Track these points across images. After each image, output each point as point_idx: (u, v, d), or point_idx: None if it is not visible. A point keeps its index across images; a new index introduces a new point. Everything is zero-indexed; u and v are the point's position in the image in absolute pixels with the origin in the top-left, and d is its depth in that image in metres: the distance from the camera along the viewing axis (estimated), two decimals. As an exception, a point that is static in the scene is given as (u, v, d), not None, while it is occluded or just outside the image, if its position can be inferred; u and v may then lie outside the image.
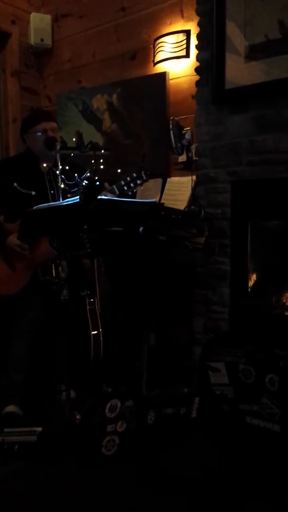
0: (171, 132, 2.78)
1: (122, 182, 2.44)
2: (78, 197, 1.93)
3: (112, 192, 2.43)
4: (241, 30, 2.43)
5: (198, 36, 2.67)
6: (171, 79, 3.17)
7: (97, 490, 1.83)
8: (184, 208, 2.68)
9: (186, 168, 2.94)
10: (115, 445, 2.05)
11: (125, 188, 2.44)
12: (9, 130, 3.83)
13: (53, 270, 2.39)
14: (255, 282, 2.60)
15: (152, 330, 2.54)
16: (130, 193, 2.46)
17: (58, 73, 3.91)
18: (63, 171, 2.24)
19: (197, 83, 2.69)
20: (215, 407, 2.37)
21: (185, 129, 2.90)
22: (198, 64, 2.71)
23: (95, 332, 2.40)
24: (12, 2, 3.73)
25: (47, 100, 4.00)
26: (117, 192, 2.44)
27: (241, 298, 2.57)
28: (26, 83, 3.93)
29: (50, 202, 2.49)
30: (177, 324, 2.78)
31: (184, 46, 3.02)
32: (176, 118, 2.93)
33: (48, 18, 3.84)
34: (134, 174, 2.43)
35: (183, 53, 3.03)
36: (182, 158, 2.94)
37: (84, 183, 2.06)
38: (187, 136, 2.89)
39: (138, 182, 2.44)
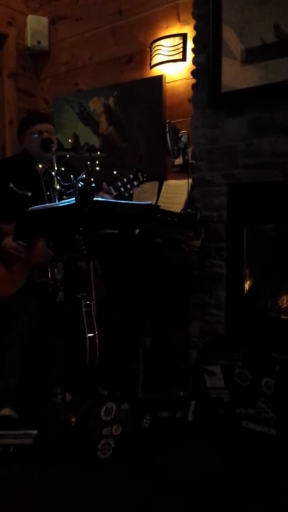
0: (168, 135, 2.79)
1: (119, 183, 2.44)
2: (74, 198, 1.92)
3: (108, 193, 2.43)
4: (237, 34, 2.43)
5: (195, 40, 2.68)
6: (168, 82, 3.17)
7: (92, 493, 1.83)
8: (181, 211, 2.68)
9: (183, 171, 2.94)
10: (111, 448, 2.04)
11: (122, 189, 2.44)
12: (5, 131, 3.83)
13: (49, 272, 2.38)
14: (251, 285, 2.60)
15: (148, 333, 2.53)
16: (126, 194, 2.46)
17: (55, 75, 3.91)
18: (59, 172, 2.24)
19: (193, 87, 2.70)
20: (211, 411, 2.36)
21: (181, 132, 2.91)
22: (194, 67, 2.71)
23: (91, 334, 2.39)
24: (9, 4, 3.74)
25: (43, 102, 4.00)
26: (114, 193, 2.44)
27: (237, 301, 2.57)
28: (22, 85, 3.93)
29: (46, 203, 2.48)
30: (173, 327, 2.78)
31: (181, 49, 3.02)
32: (172, 121, 2.93)
33: (45, 20, 3.84)
34: (131, 175, 2.44)
35: (180, 56, 3.03)
36: (179, 161, 2.95)
37: (80, 185, 2.05)
38: (184, 139, 2.89)
39: (135, 183, 2.44)
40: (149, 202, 2.34)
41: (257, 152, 2.43)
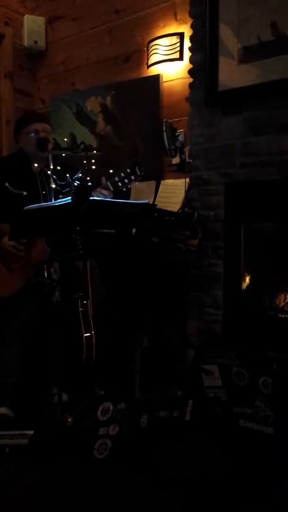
0: (165, 134, 2.78)
1: (116, 178, 2.43)
2: (70, 197, 1.92)
3: (106, 188, 2.42)
4: (234, 32, 2.43)
5: (191, 38, 2.68)
6: (165, 81, 3.17)
7: (89, 493, 1.82)
8: (178, 210, 2.67)
9: (180, 170, 2.94)
10: (107, 448, 2.03)
11: (119, 184, 2.43)
12: (2, 131, 3.82)
13: (45, 272, 2.37)
14: (249, 284, 2.59)
15: (146, 332, 2.52)
16: (124, 189, 2.45)
17: (51, 75, 3.91)
18: (55, 171, 2.23)
19: (190, 85, 2.70)
20: (208, 410, 2.35)
21: (178, 131, 2.90)
22: (191, 66, 2.71)
23: (88, 334, 2.38)
24: (5, 4, 3.73)
25: (40, 102, 4.00)
26: (112, 189, 2.43)
27: (235, 300, 2.57)
28: (19, 85, 3.92)
29: (41, 202, 2.47)
30: (170, 327, 2.77)
31: (178, 48, 3.02)
32: (169, 120, 2.93)
33: (41, 20, 3.84)
34: (128, 170, 2.43)
35: (177, 55, 3.03)
36: (176, 160, 2.94)
37: (76, 184, 2.04)
38: (181, 138, 2.89)
39: (132, 177, 2.43)
40: (146, 201, 2.32)
41: (254, 151, 2.43)
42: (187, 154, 2.78)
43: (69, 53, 3.76)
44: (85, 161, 2.15)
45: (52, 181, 2.22)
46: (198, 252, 2.54)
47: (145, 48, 3.20)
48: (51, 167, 2.22)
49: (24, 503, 1.77)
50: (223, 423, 2.30)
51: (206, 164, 2.62)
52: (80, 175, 2.09)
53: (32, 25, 3.81)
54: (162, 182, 3.05)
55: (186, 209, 2.60)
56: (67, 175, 2.11)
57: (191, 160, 2.70)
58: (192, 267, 2.66)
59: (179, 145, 2.84)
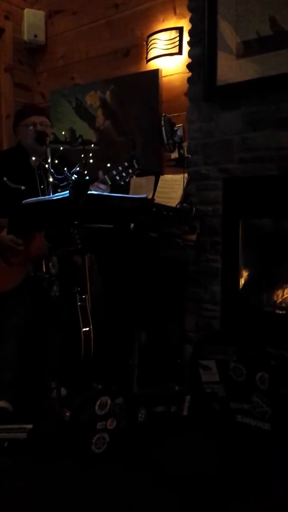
0: (163, 128, 2.77)
1: (114, 172, 2.41)
2: (67, 191, 1.91)
3: (104, 182, 2.41)
4: (232, 27, 2.42)
5: (190, 33, 2.66)
6: (164, 76, 3.16)
7: (86, 487, 1.82)
8: (176, 205, 2.67)
9: (178, 165, 2.93)
10: (105, 442, 2.03)
11: (117, 178, 2.41)
12: (2, 126, 3.83)
13: (44, 266, 2.37)
14: (247, 280, 2.59)
15: (144, 328, 2.53)
16: (122, 182, 2.43)
17: (51, 69, 3.90)
18: (53, 165, 2.23)
19: (189, 80, 2.69)
20: (206, 406, 2.36)
21: (177, 126, 2.89)
22: (190, 61, 2.69)
23: (86, 329, 2.38)
24: (5, -3, 3.72)
25: (40, 96, 3.99)
26: (109, 183, 2.42)
27: (233, 296, 2.56)
28: (19, 79, 3.91)
29: (40, 196, 2.47)
30: (169, 322, 2.77)
31: (177, 43, 3.01)
32: (168, 115, 2.92)
33: (41, 14, 3.83)
34: (126, 163, 2.41)
35: (176, 50, 3.02)
36: (174, 155, 2.93)
37: (73, 178, 2.04)
38: (179, 133, 2.88)
39: (130, 171, 2.41)
40: (144, 195, 2.32)
41: (252, 146, 2.42)
42: (185, 149, 2.78)
43: (68, 47, 3.75)
44: (82, 155, 2.14)
45: (50, 175, 2.21)
46: (196, 247, 2.54)
47: (144, 43, 3.19)
48: (49, 161, 2.22)
49: (22, 498, 1.77)
50: (220, 419, 2.30)
51: (205, 159, 2.61)
52: (78, 169, 2.08)
53: (32, 19, 3.79)
54: (161, 177, 3.04)
55: (184, 204, 2.60)
56: (65, 169, 2.11)
57: (189, 155, 2.69)
58: (190, 262, 2.66)
59: (177, 140, 2.83)
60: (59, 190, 2.17)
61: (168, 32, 3.04)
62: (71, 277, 2.42)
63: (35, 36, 3.81)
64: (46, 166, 2.25)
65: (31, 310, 2.43)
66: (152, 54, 3.11)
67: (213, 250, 2.60)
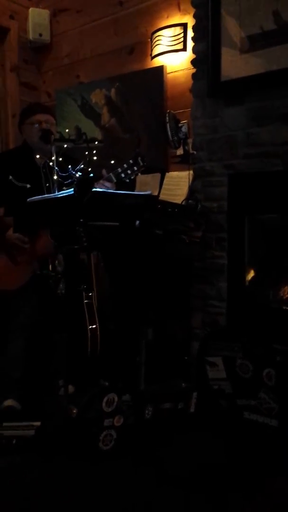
0: (168, 125, 2.76)
1: (119, 170, 2.42)
2: (72, 189, 1.92)
3: (109, 180, 2.41)
4: (236, 22, 2.40)
5: (194, 28, 2.65)
6: (169, 72, 3.15)
7: (94, 484, 1.82)
8: (181, 202, 2.66)
9: (183, 162, 2.92)
10: (113, 439, 2.04)
11: (123, 175, 2.42)
12: (8, 125, 3.83)
13: (50, 264, 2.38)
14: (253, 276, 2.58)
15: (150, 325, 2.53)
16: (127, 180, 2.43)
17: (56, 68, 3.90)
18: (57, 163, 2.23)
19: (193, 76, 2.68)
20: (213, 402, 2.35)
21: (181, 122, 2.88)
22: (194, 57, 2.68)
23: (92, 326, 2.39)
24: (10, -3, 3.73)
25: (46, 95, 4.00)
26: (115, 180, 2.42)
27: (239, 292, 2.55)
28: (25, 78, 3.92)
29: (45, 194, 2.48)
30: (175, 319, 2.77)
31: (181, 39, 3.01)
32: (173, 112, 2.91)
33: (46, 13, 3.83)
34: (131, 161, 2.41)
35: (180, 46, 3.01)
36: (179, 151, 2.93)
37: (78, 175, 2.04)
38: (184, 129, 2.87)
39: (135, 169, 2.42)
40: (148, 192, 2.31)
41: (257, 141, 2.41)
42: (190, 146, 2.77)
43: (73, 45, 3.75)
44: (87, 153, 2.14)
45: (54, 173, 2.22)
46: (201, 244, 2.53)
47: (149, 40, 3.19)
48: (53, 158, 2.22)
49: (30, 494, 1.78)
50: (227, 415, 2.29)
51: (209, 156, 2.60)
52: (82, 166, 2.09)
53: (37, 18, 3.81)
54: (167, 174, 3.03)
55: (189, 201, 2.59)
56: (69, 166, 2.11)
57: (194, 152, 2.68)
58: (195, 259, 2.65)
59: (182, 137, 2.82)
60: (64, 188, 2.18)
61: (173, 28, 3.03)
62: (77, 275, 2.43)
63: (40, 35, 3.82)
64: (51, 164, 2.25)
65: (37, 308, 2.44)
66: (156, 51, 3.11)
67: (218, 246, 2.59)
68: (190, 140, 2.80)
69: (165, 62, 3.15)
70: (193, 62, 2.70)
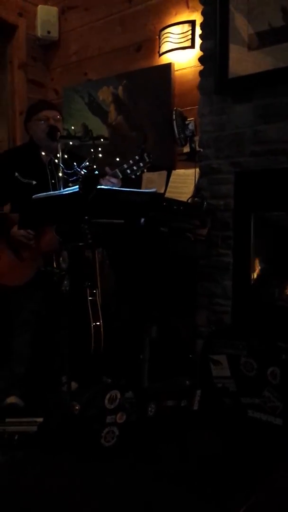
0: (174, 122, 2.76)
1: (125, 166, 2.41)
2: (77, 186, 1.91)
3: (115, 176, 2.41)
4: (244, 19, 2.39)
5: (202, 25, 2.64)
6: (177, 70, 3.15)
7: (95, 480, 1.82)
8: (187, 200, 2.65)
9: (190, 159, 2.91)
10: (115, 436, 2.04)
11: (128, 171, 2.41)
12: (16, 122, 3.85)
13: (54, 261, 2.38)
14: (258, 275, 2.57)
15: (154, 322, 2.52)
16: (133, 176, 2.43)
17: (64, 65, 3.91)
18: (63, 160, 2.23)
19: (201, 73, 2.66)
20: (216, 400, 2.35)
21: (188, 119, 2.87)
22: (202, 54, 2.67)
23: (96, 323, 2.39)
24: (19, -6, 3.74)
25: (54, 93, 4.00)
26: (120, 176, 2.42)
27: (244, 290, 2.54)
28: (33, 75, 3.94)
29: (50, 191, 2.48)
30: (180, 317, 2.76)
31: (189, 36, 3.00)
32: (180, 109, 2.90)
33: (55, 10, 3.84)
34: (137, 157, 2.41)
35: (188, 43, 3.01)
36: (186, 149, 2.92)
37: (83, 172, 2.04)
38: (191, 126, 2.86)
39: (141, 165, 2.41)
40: (153, 189, 2.30)
41: (264, 139, 2.39)
42: (197, 143, 2.76)
43: (81, 43, 3.75)
44: (92, 150, 2.14)
45: (60, 170, 2.22)
46: (207, 242, 2.52)
47: (157, 37, 3.18)
48: (58, 155, 2.22)
49: (32, 490, 1.78)
50: (231, 413, 2.29)
51: (216, 153, 2.59)
52: (87, 163, 2.08)
53: (46, 16, 3.82)
54: (173, 172, 3.03)
55: (195, 198, 2.58)
56: (74, 163, 2.11)
57: (201, 149, 2.67)
58: (201, 257, 2.64)
59: (189, 134, 2.81)
60: (70, 184, 2.18)
61: (181, 25, 3.03)
62: (81, 272, 2.43)
63: (49, 32, 3.83)
64: (56, 161, 2.25)
65: (42, 305, 2.44)
66: (164, 48, 3.10)
67: (224, 244, 2.58)
68: (196, 138, 2.79)
69: (173, 60, 3.14)
70: (200, 59, 2.69)
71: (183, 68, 3.12)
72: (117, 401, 2.05)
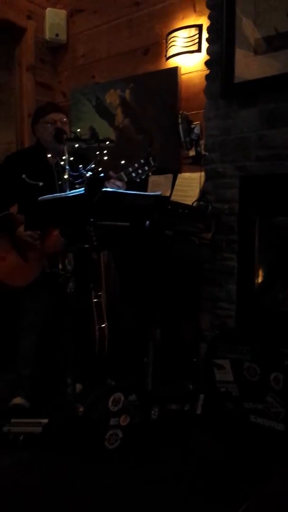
0: (180, 126, 2.76)
1: (130, 169, 2.42)
2: (83, 188, 1.93)
3: (120, 179, 2.41)
4: (250, 23, 2.39)
5: (208, 29, 2.65)
6: (183, 74, 3.15)
7: (98, 482, 1.83)
8: (192, 203, 2.66)
9: (195, 163, 2.92)
10: (118, 439, 2.04)
11: (133, 175, 2.42)
12: (24, 125, 3.86)
13: (60, 262, 2.39)
14: (263, 279, 2.56)
15: (158, 326, 2.53)
16: (138, 179, 2.43)
17: (72, 68, 3.93)
18: (68, 162, 2.24)
19: (207, 77, 2.67)
20: (219, 405, 2.35)
21: (194, 123, 2.88)
22: (208, 57, 2.68)
23: (101, 325, 2.39)
24: (28, -3, 3.77)
25: (61, 95, 4.02)
26: (125, 179, 2.42)
27: (248, 295, 2.54)
28: (41, 78, 3.96)
29: (57, 193, 2.49)
30: (184, 321, 2.77)
31: (197, 40, 3.01)
32: (185, 113, 2.91)
33: (63, 13, 3.86)
34: (142, 161, 2.41)
35: (195, 47, 3.01)
36: (192, 153, 2.92)
37: (88, 175, 2.05)
38: (196, 130, 2.87)
39: (146, 168, 2.41)
40: (158, 192, 2.31)
41: (269, 144, 2.39)
42: (202, 147, 2.76)
43: (89, 46, 3.77)
44: (97, 152, 2.15)
45: (66, 172, 2.23)
46: (211, 245, 2.52)
47: (164, 40, 3.19)
48: (64, 158, 2.23)
49: (36, 490, 1.79)
50: (234, 418, 2.28)
51: (222, 157, 2.59)
52: (93, 166, 2.09)
53: (54, 18, 3.84)
54: (179, 175, 3.04)
55: (200, 202, 2.58)
56: (80, 166, 2.12)
57: (206, 153, 2.68)
58: (205, 261, 2.64)
59: (194, 138, 2.81)
60: (77, 186, 2.19)
61: (188, 29, 3.03)
62: (86, 274, 2.44)
63: (57, 35, 3.85)
64: (61, 163, 2.27)
65: (47, 306, 2.45)
66: (171, 52, 3.11)
67: (229, 248, 2.58)
68: (202, 142, 2.80)
69: (180, 63, 3.15)
70: (207, 63, 2.69)
71: (189, 72, 3.13)
72: (120, 404, 2.06)
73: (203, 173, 2.72)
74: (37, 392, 2.43)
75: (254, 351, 2.24)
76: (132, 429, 2.09)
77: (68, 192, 2.11)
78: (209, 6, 2.64)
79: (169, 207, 2.35)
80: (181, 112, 2.91)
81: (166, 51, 3.16)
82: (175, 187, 3.01)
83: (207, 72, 2.71)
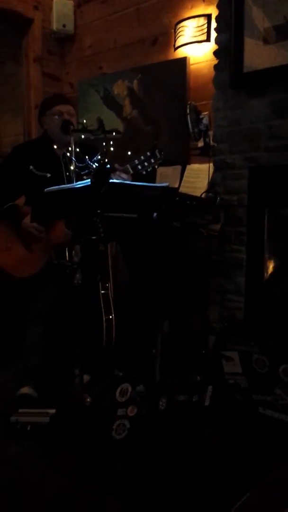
0: (188, 117, 2.74)
1: (136, 161, 2.41)
2: (89, 180, 1.92)
3: (125, 171, 2.40)
4: (260, 12, 2.36)
5: (217, 18, 2.61)
6: (192, 64, 3.13)
7: (105, 472, 1.84)
8: (201, 195, 2.64)
9: (204, 154, 2.90)
10: (126, 429, 2.05)
11: (139, 167, 2.41)
12: (31, 116, 3.86)
13: (67, 254, 2.40)
14: (272, 271, 2.55)
15: (166, 317, 2.52)
16: (144, 172, 2.42)
17: (80, 59, 3.91)
18: (75, 153, 2.24)
19: (216, 67, 2.64)
20: (228, 396, 2.34)
21: (202, 114, 2.85)
22: (217, 47, 2.65)
23: (108, 317, 2.39)
24: (35, -13, 3.74)
25: (69, 86, 4.01)
26: (131, 172, 2.41)
27: (257, 287, 2.53)
28: (48, 69, 3.94)
29: (65, 184, 2.49)
30: (193, 313, 2.76)
31: (205, 30, 2.98)
32: (194, 103, 2.88)
33: (70, 3, 3.84)
34: (148, 153, 2.40)
35: (204, 37, 2.98)
36: (200, 143, 2.90)
37: (94, 166, 2.04)
38: (205, 121, 2.84)
39: (152, 161, 2.41)
40: (166, 184, 2.30)
41: (279, 134, 2.37)
42: (211, 138, 2.74)
43: (97, 36, 3.75)
44: (104, 143, 2.14)
45: (72, 163, 2.23)
46: (220, 237, 2.51)
47: (173, 30, 3.16)
48: (70, 149, 2.23)
49: (42, 480, 1.81)
50: (242, 410, 2.28)
51: (230, 148, 2.57)
52: (99, 157, 2.08)
53: (61, 9, 3.81)
54: (188, 166, 3.02)
55: (209, 193, 2.56)
56: (86, 157, 2.11)
57: (215, 144, 2.65)
58: (214, 252, 2.63)
59: (203, 128, 2.79)
60: (84, 177, 2.18)
61: (196, 19, 3.00)
62: (94, 265, 2.44)
63: (64, 26, 3.83)
64: (68, 154, 2.26)
65: (54, 296, 2.46)
66: (180, 42, 3.08)
67: (237, 240, 2.56)
68: (210, 132, 2.77)
69: (189, 53, 3.12)
70: (215, 53, 2.66)
71: (198, 62, 3.10)
72: (128, 394, 2.06)
73: (211, 164, 2.70)
74: (45, 382, 2.44)
75: (263, 343, 2.23)
76: (140, 419, 2.09)
77: (74, 184, 2.11)
78: (218, -6, 2.61)
79: (177, 198, 2.34)
80: (189, 102, 2.89)
81: (175, 41, 3.13)
82: (184, 178, 2.99)
83: (216, 62, 2.67)
